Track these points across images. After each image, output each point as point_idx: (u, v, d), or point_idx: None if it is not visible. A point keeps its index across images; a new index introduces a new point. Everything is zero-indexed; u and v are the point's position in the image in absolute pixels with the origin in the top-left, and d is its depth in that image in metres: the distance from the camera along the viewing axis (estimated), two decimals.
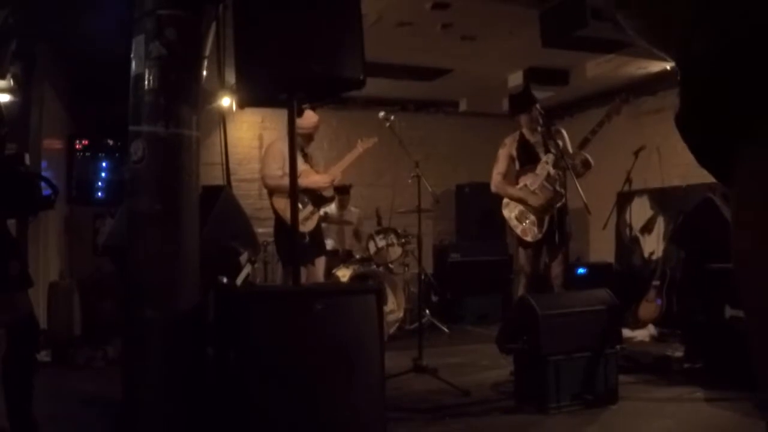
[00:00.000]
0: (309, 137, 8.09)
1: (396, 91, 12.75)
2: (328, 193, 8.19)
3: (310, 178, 7.99)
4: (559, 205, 7.81)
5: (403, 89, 12.71)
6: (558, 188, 7.79)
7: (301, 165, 7.88)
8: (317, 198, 8.00)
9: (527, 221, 7.98)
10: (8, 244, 4.83)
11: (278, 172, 7.85)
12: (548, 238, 7.92)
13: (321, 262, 8.36)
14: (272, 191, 8.00)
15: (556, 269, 7.99)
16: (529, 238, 7.99)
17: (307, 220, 7.76)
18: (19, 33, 5.09)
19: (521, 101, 8.32)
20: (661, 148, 11.72)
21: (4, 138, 4.91)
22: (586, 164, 7.86)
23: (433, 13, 8.71)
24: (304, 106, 7.64)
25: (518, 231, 8.04)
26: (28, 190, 5.00)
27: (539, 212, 7.93)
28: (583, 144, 7.76)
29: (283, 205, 7.77)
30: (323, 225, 10.50)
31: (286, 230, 7.68)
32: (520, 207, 8.03)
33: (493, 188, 8.29)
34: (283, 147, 7.70)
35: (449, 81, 12.20)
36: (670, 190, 11.61)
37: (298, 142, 7.71)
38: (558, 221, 7.83)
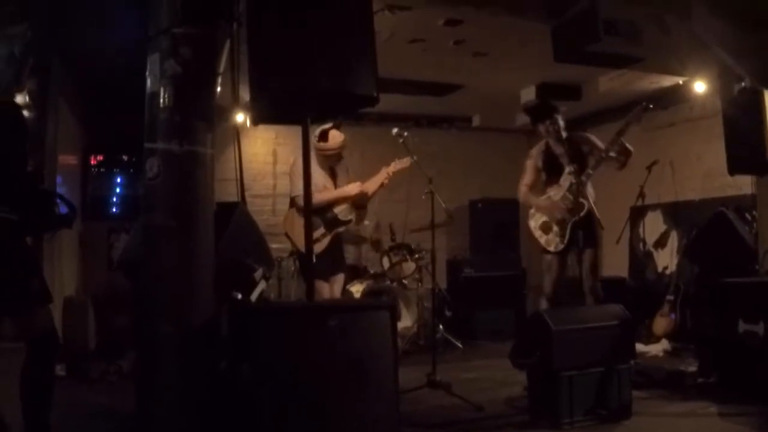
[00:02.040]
0: (336, 157, 8.04)
1: (409, 107, 12.79)
2: (344, 216, 8.10)
3: (340, 189, 7.95)
4: (581, 215, 7.81)
5: (416, 105, 12.75)
6: (580, 199, 7.78)
7: (325, 181, 7.88)
8: (331, 221, 7.93)
9: (551, 232, 8.06)
10: (28, 261, 4.87)
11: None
12: (569, 248, 7.98)
13: (340, 279, 8.29)
14: (299, 210, 7.89)
15: (587, 282, 8.01)
16: (551, 249, 8.07)
17: (316, 242, 7.68)
18: (36, 48, 5.15)
19: (539, 111, 8.47)
20: (674, 163, 11.73)
21: (27, 154, 4.95)
22: (624, 152, 7.90)
23: (445, 29, 8.73)
24: (327, 126, 7.68)
25: (542, 241, 8.14)
26: (45, 207, 5.04)
27: (562, 223, 7.97)
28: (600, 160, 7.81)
29: (294, 231, 7.74)
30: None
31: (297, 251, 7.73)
32: (545, 218, 8.13)
33: (519, 199, 8.46)
34: (314, 165, 7.68)
35: (462, 96, 12.22)
36: (683, 204, 11.61)
37: (325, 162, 7.75)
38: (584, 230, 7.86)
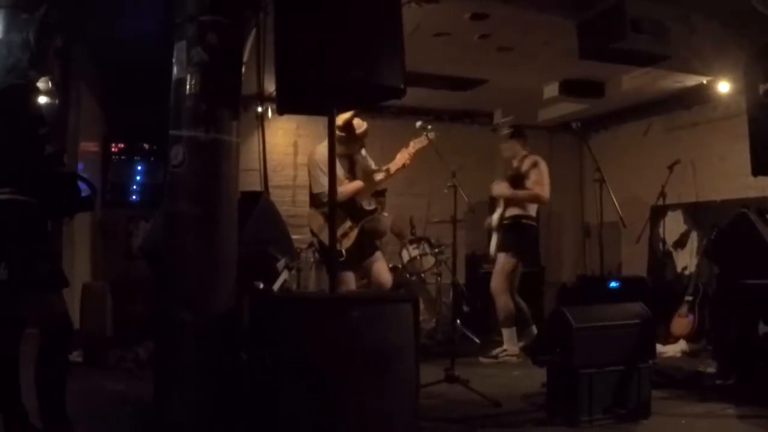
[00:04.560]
0: (360, 144, 8.03)
1: (430, 101, 12.74)
2: (368, 205, 8.07)
3: (354, 183, 7.92)
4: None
5: (437, 99, 12.71)
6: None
7: (342, 174, 7.82)
8: (357, 212, 7.90)
9: None
10: (39, 245, 4.85)
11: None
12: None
13: (378, 257, 8.19)
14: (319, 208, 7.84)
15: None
16: None
17: (345, 237, 7.64)
18: (55, 31, 5.13)
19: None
20: (695, 163, 11.69)
21: (44, 138, 4.94)
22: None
23: (471, 24, 8.70)
24: (347, 115, 7.68)
25: None
26: (66, 190, 5.04)
27: None
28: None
29: (317, 224, 7.72)
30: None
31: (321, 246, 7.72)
32: None
33: None
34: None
35: (484, 91, 12.18)
36: (704, 204, 11.57)
37: (345, 150, 7.73)
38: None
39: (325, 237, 7.28)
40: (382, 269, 8.18)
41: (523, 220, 8.99)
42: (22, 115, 4.91)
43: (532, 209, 9.54)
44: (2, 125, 4.79)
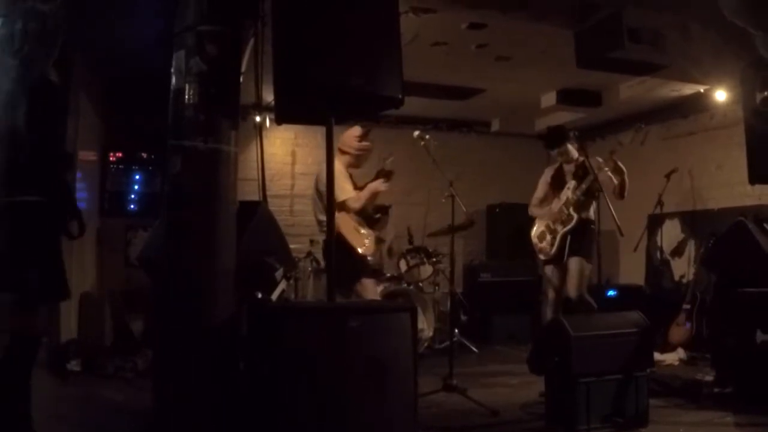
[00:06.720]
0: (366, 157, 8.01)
1: (429, 110, 12.74)
2: (374, 213, 8.09)
3: (369, 187, 7.81)
4: (568, 227, 8.29)
5: (436, 108, 12.70)
6: (571, 212, 8.27)
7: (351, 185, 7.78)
8: (370, 220, 7.90)
9: (545, 240, 8.52)
10: (31, 252, 4.77)
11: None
12: (558, 257, 8.41)
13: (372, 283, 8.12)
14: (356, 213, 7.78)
15: (573, 292, 8.26)
16: (542, 256, 8.62)
17: (368, 242, 7.66)
18: (66, 30, 5.11)
19: (550, 138, 8.90)
20: (692, 171, 11.68)
21: (65, 133, 4.94)
22: (617, 170, 8.27)
23: (468, 33, 8.70)
24: (366, 127, 7.67)
25: (537, 249, 8.65)
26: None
27: (554, 232, 8.43)
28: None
29: (351, 227, 7.64)
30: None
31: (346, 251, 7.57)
32: (542, 228, 8.59)
33: (529, 211, 8.92)
34: (340, 167, 7.57)
35: (482, 101, 12.17)
36: (701, 213, 11.57)
37: (352, 162, 7.72)
38: (573, 240, 8.29)
39: (353, 239, 7.35)
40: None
41: (591, 225, 8.64)
42: (50, 113, 4.90)
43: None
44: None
